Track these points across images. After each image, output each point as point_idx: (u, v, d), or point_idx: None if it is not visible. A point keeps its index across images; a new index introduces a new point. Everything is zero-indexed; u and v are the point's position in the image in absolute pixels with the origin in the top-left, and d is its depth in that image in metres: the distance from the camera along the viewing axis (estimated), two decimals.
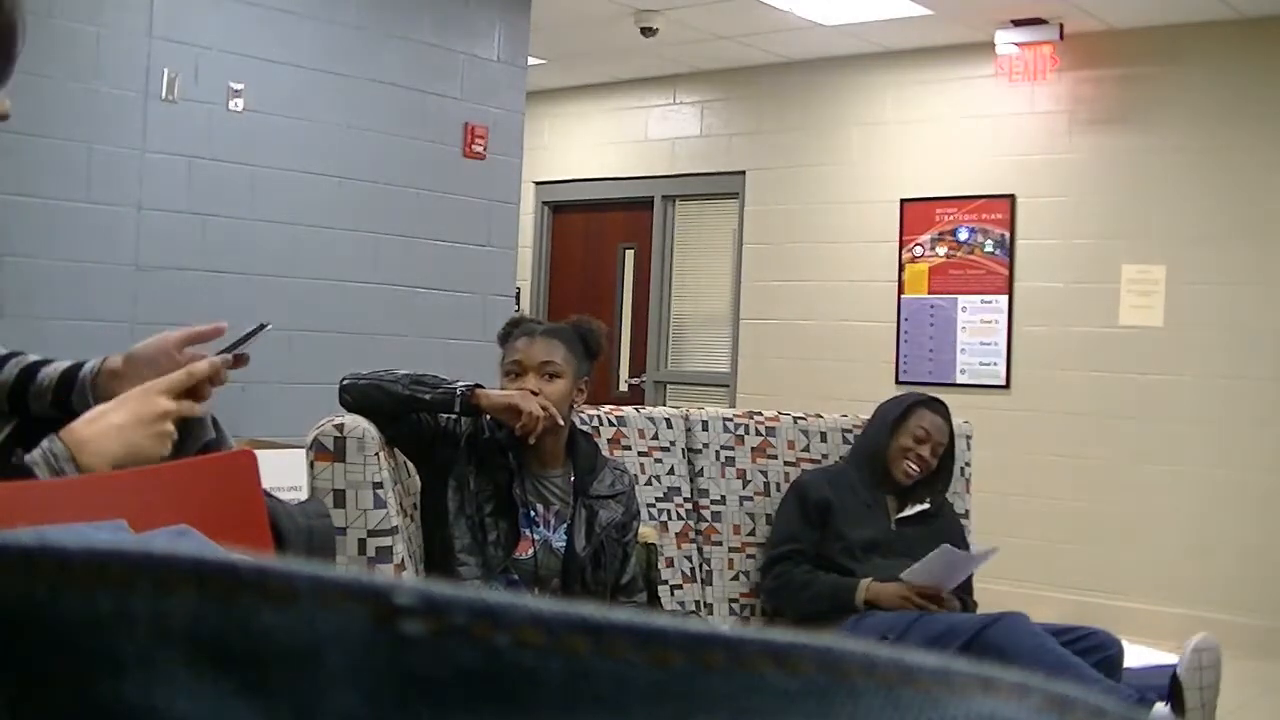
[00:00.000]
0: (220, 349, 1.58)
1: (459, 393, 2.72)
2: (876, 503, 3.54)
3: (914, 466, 3.55)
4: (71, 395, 1.56)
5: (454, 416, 2.78)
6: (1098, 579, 6.06)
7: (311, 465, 2.65)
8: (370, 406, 2.73)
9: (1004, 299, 6.39)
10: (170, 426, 1.43)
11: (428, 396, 2.72)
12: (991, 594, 4.13)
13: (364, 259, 5.29)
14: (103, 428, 1.38)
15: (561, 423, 2.81)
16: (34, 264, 4.40)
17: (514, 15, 5.78)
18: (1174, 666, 3.26)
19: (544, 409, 2.74)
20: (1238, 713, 4.72)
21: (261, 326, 1.62)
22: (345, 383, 2.79)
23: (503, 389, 2.87)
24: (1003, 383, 6.38)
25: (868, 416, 3.89)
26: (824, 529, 3.47)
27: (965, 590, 3.52)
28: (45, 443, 1.37)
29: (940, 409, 3.66)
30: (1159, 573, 5.93)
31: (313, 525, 1.66)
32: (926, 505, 3.58)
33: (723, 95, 7.39)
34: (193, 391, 1.48)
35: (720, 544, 3.61)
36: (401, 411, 2.74)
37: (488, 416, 2.80)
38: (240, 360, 1.59)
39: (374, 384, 2.74)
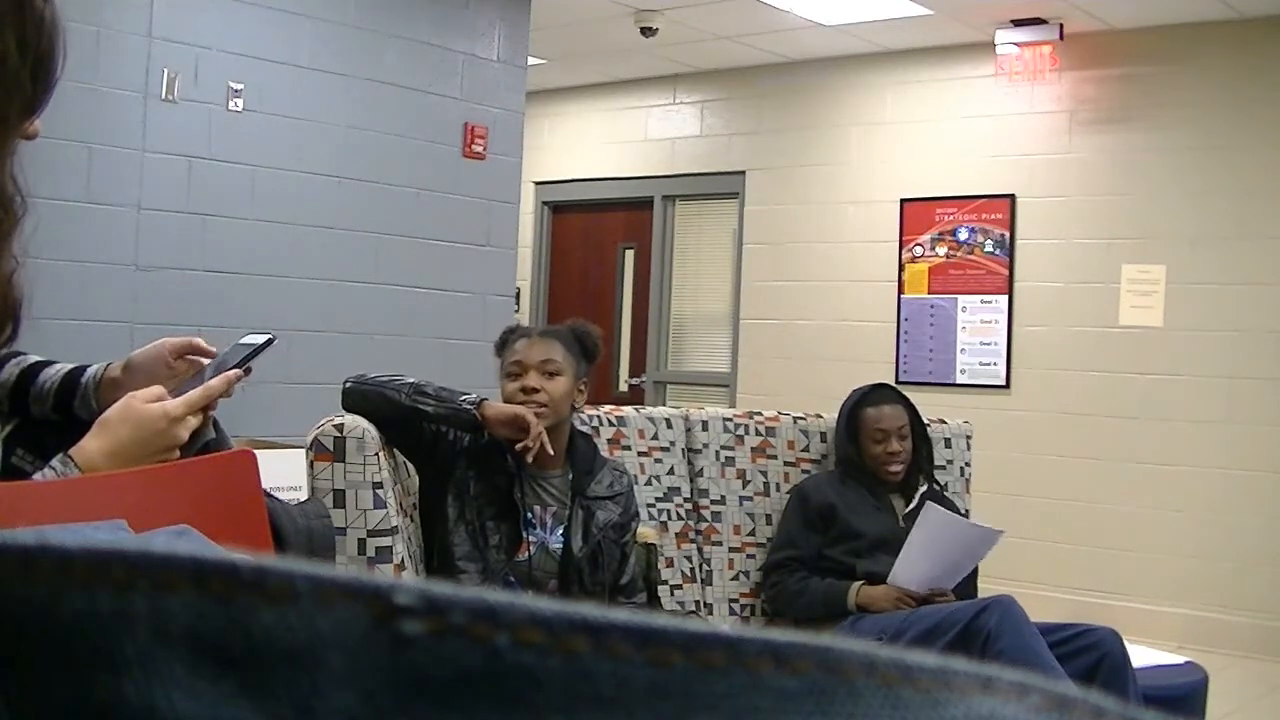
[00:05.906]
0: (230, 364, 1.58)
1: (467, 413, 2.70)
2: (882, 503, 3.54)
3: (895, 465, 3.55)
4: (74, 402, 1.56)
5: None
6: (1098, 579, 6.06)
7: (311, 465, 2.65)
8: (370, 411, 2.72)
9: (1004, 299, 6.39)
10: (178, 452, 1.45)
11: (430, 409, 2.71)
12: (992, 594, 4.12)
13: (364, 259, 5.29)
14: (116, 454, 1.39)
15: (551, 452, 2.78)
16: (33, 264, 4.38)
17: (514, 15, 5.78)
18: (1174, 666, 3.26)
19: (539, 430, 2.73)
20: (1238, 712, 4.72)
21: (269, 341, 1.62)
22: (348, 385, 2.78)
23: (503, 391, 2.87)
24: (1003, 383, 6.38)
25: None
26: (829, 532, 3.46)
27: (968, 590, 3.51)
28: (57, 463, 1.38)
29: (880, 395, 3.63)
30: (1159, 573, 5.93)
31: (313, 525, 1.66)
32: (925, 488, 3.58)
33: (723, 95, 7.39)
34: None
35: (720, 544, 3.61)
36: (402, 420, 2.73)
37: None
38: (245, 371, 1.61)
39: (377, 389, 2.73)
